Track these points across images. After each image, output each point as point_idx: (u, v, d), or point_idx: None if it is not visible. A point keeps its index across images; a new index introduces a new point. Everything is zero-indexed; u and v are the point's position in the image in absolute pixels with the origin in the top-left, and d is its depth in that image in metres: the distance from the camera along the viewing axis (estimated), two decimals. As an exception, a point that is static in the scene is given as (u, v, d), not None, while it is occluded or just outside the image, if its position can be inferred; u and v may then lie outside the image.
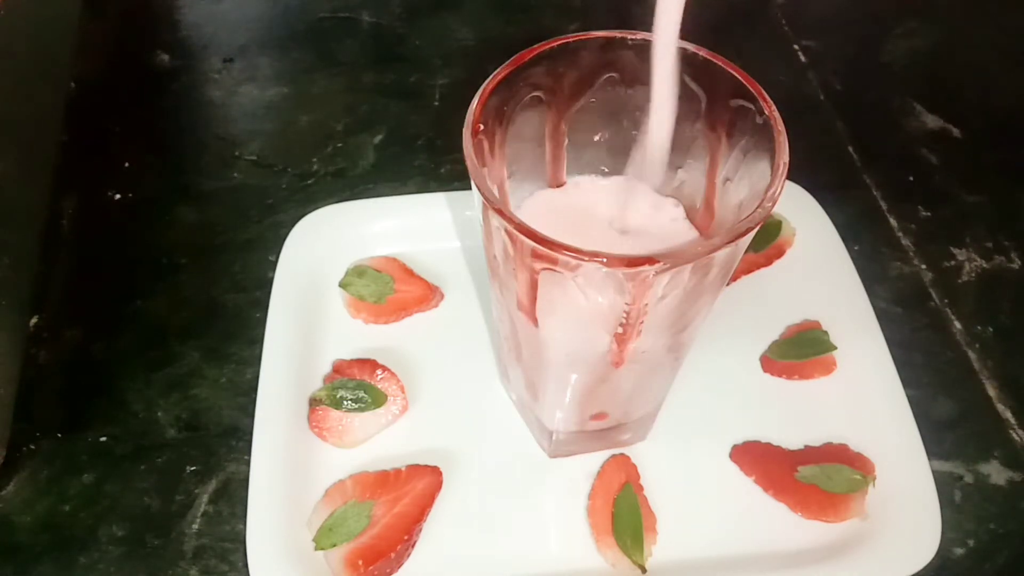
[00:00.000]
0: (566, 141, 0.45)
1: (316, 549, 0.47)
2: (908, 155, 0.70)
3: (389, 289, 0.58)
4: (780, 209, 0.60)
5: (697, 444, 0.52)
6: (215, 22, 0.80)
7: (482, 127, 0.39)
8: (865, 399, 0.53)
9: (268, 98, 0.74)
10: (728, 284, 0.58)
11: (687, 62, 0.41)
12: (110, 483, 0.52)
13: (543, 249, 0.34)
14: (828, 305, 0.57)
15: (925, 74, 0.76)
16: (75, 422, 0.54)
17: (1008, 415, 0.55)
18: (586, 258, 0.34)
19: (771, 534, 0.49)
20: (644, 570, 0.47)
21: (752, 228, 0.35)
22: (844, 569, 0.46)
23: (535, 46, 0.41)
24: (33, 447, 0.53)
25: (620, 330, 0.39)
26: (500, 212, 0.35)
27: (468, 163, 0.37)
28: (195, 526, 0.50)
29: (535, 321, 0.41)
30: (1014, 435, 0.55)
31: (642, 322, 0.38)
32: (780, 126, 0.38)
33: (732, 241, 0.35)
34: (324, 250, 0.59)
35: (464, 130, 0.38)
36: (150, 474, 0.52)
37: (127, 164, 0.68)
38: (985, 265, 0.63)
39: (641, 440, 0.52)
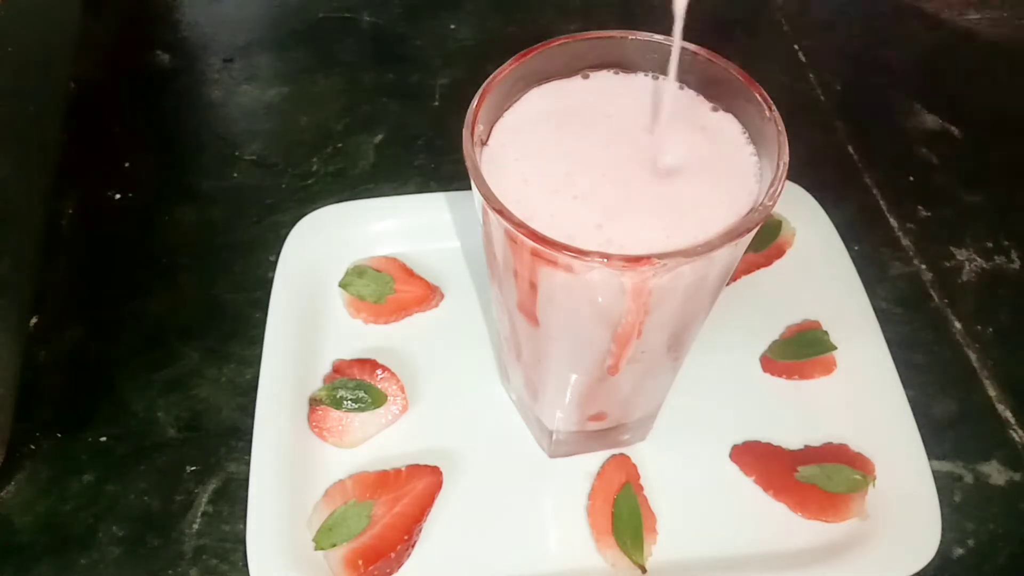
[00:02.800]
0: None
1: (316, 549, 0.47)
2: (908, 155, 0.70)
3: (389, 289, 0.58)
4: (780, 209, 0.60)
5: (697, 444, 0.52)
6: (215, 22, 0.80)
7: (481, 127, 0.39)
8: (865, 399, 0.53)
9: (268, 98, 0.74)
10: (728, 284, 0.58)
11: (687, 63, 0.41)
12: (110, 483, 0.52)
13: (543, 248, 0.34)
14: (828, 305, 0.57)
15: (925, 74, 0.76)
16: (75, 422, 0.54)
17: (1008, 415, 0.56)
18: (586, 257, 0.34)
19: (771, 534, 0.49)
20: (644, 570, 0.47)
21: (752, 228, 0.35)
22: (844, 569, 0.47)
23: (535, 46, 0.41)
24: (33, 447, 0.53)
25: (620, 329, 0.39)
26: (500, 212, 0.35)
27: (468, 163, 0.37)
28: (195, 526, 0.50)
29: (535, 321, 0.41)
30: (1014, 435, 0.55)
31: (642, 322, 0.38)
32: (780, 126, 0.38)
33: (732, 241, 0.35)
34: (324, 250, 0.59)
35: (464, 130, 0.38)
36: (150, 474, 0.52)
37: (127, 164, 0.68)
38: (985, 265, 0.63)
39: (641, 440, 0.52)
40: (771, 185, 0.36)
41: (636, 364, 0.42)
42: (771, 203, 0.36)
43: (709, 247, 0.34)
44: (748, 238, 0.36)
